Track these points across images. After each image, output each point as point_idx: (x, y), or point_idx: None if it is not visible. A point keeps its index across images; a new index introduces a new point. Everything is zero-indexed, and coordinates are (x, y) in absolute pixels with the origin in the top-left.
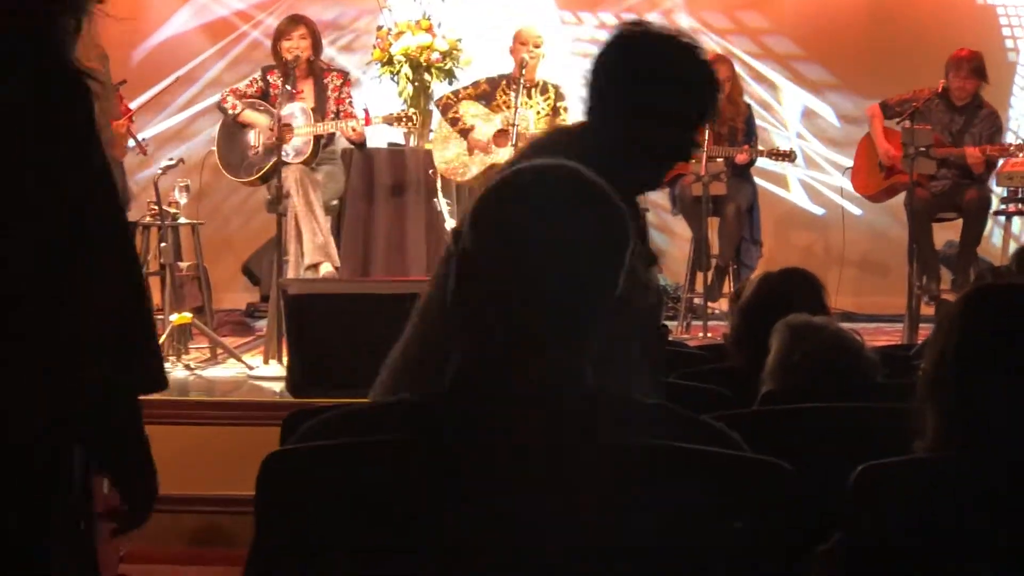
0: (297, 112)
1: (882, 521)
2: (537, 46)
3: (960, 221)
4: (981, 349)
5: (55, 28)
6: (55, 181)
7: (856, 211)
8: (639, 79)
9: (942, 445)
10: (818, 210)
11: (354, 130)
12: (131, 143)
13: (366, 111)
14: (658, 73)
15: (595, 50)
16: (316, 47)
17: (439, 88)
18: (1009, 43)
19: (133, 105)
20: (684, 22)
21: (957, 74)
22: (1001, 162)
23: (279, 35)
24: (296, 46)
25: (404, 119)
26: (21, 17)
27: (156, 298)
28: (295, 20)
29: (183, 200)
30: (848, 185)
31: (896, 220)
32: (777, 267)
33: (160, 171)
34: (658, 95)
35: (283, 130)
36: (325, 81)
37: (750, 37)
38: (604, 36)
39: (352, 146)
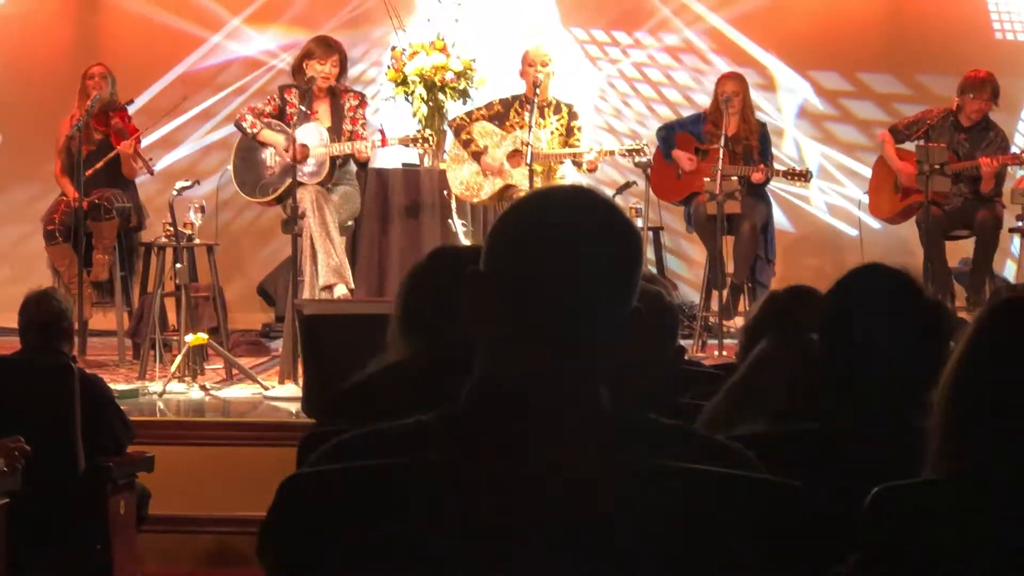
0: (314, 132)
1: (898, 543)
2: (545, 65)
3: (974, 239)
4: (1000, 363)
5: None
6: None
7: (875, 224)
8: None
9: (956, 465)
10: (845, 228)
11: (359, 152)
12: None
13: (382, 132)
14: None
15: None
16: (342, 74)
17: (453, 108)
18: None
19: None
20: (690, 34)
21: (979, 95)
22: (1018, 176)
23: (308, 55)
24: (329, 73)
25: (420, 140)
26: None
27: (172, 319)
28: (330, 47)
29: (198, 221)
30: (867, 199)
31: (915, 237)
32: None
33: (176, 192)
34: None
35: (299, 150)
36: (342, 102)
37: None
38: (611, 52)
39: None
